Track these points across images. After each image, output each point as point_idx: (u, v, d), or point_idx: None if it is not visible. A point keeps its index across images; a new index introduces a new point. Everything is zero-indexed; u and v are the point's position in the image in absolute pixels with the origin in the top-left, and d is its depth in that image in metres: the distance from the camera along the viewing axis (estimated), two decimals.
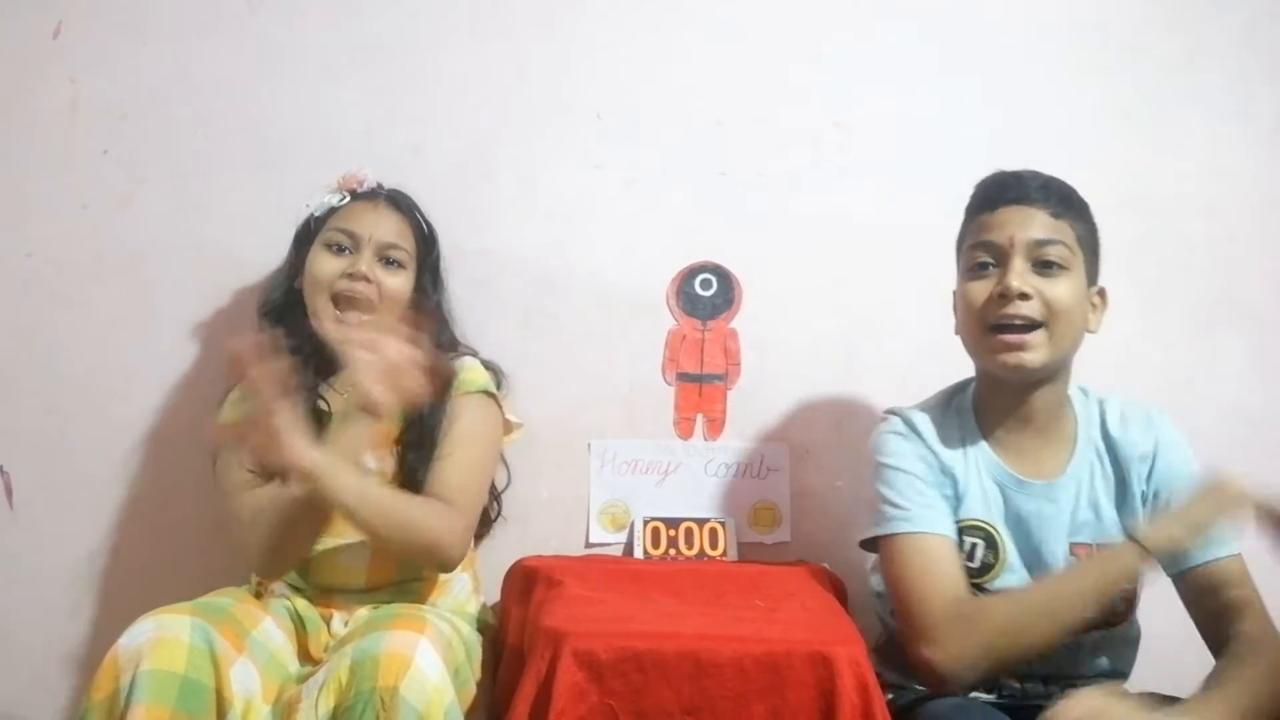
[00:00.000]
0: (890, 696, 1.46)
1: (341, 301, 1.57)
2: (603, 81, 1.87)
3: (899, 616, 1.42)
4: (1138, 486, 1.47)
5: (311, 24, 1.84)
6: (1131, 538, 1.34)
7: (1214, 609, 1.40)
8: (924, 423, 1.50)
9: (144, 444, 1.80)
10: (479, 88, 1.85)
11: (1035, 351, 1.40)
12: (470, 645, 1.47)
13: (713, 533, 1.81)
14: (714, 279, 1.87)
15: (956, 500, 1.47)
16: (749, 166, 1.87)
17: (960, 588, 1.39)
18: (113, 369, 1.80)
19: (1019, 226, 1.42)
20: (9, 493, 1.80)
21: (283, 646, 1.41)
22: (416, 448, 1.54)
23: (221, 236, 1.81)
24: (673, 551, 1.79)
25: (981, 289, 1.43)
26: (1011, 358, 1.40)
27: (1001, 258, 1.42)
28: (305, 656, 1.45)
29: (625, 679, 1.29)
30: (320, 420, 1.55)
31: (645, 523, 1.80)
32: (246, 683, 1.30)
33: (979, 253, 1.45)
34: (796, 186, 1.87)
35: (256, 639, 1.36)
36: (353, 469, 1.37)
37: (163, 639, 1.25)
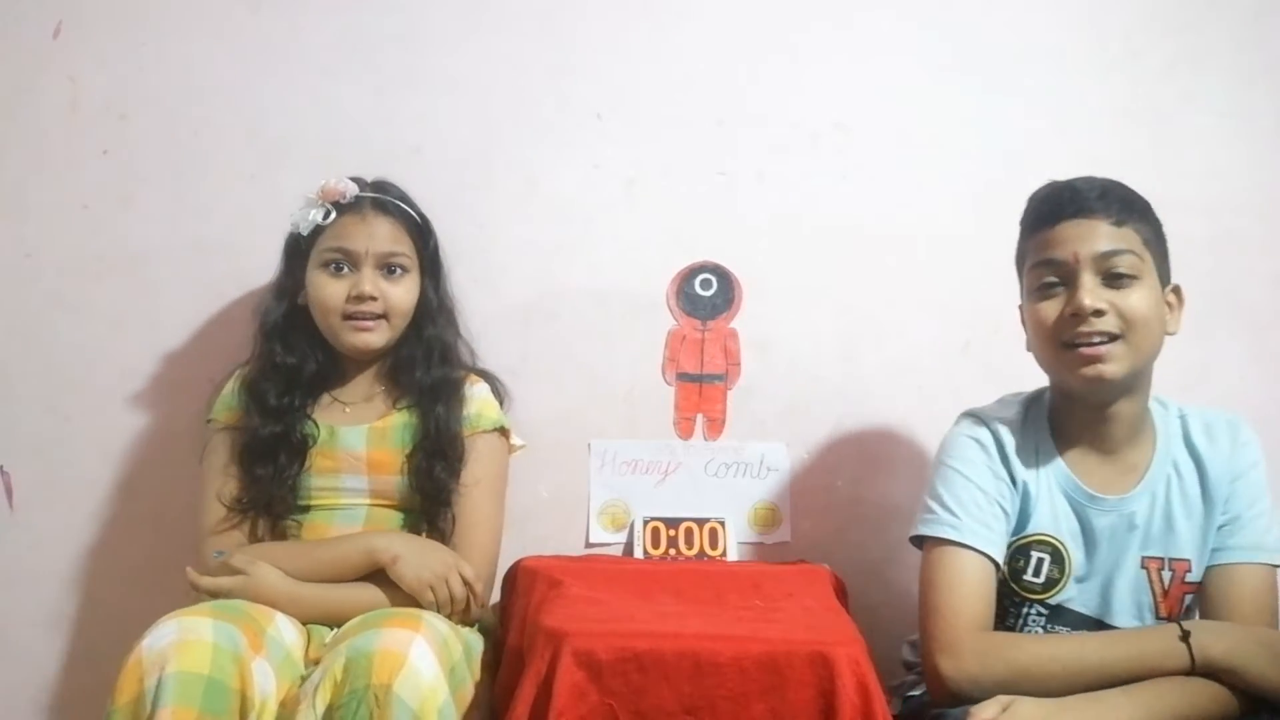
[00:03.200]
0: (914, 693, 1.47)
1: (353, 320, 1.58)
2: (603, 81, 1.86)
3: (921, 621, 1.40)
4: (1220, 503, 1.43)
5: (311, 24, 1.84)
6: (1185, 638, 1.27)
7: (1220, 612, 1.38)
8: (1006, 435, 1.46)
9: (144, 444, 1.80)
10: (479, 88, 1.85)
11: (1115, 363, 1.35)
12: (469, 645, 1.47)
13: (712, 532, 1.81)
14: (714, 279, 1.87)
15: (1024, 515, 1.44)
16: (749, 166, 1.87)
17: (987, 614, 1.38)
18: (113, 369, 1.80)
19: (1082, 241, 1.37)
20: (9, 493, 1.80)
21: (295, 644, 1.41)
22: (431, 497, 1.57)
23: (221, 236, 1.81)
24: (672, 552, 1.79)
25: (1052, 309, 1.39)
26: (1091, 370, 1.35)
27: (1068, 275, 1.37)
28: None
29: (625, 679, 1.29)
30: (304, 445, 1.57)
31: (645, 523, 1.81)
32: (264, 683, 1.29)
33: (1044, 272, 1.40)
34: (796, 186, 1.87)
35: (272, 636, 1.36)
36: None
37: (187, 640, 1.25)
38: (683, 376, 1.86)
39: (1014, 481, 1.44)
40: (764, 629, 1.38)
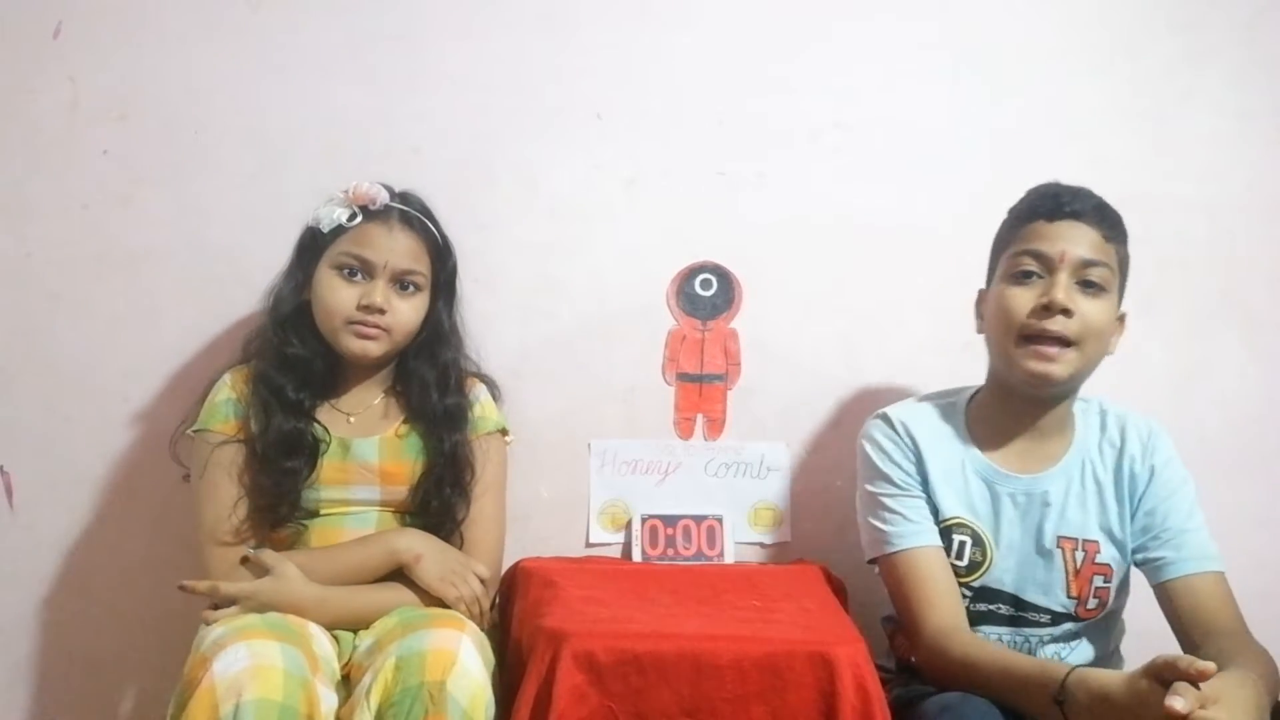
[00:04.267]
0: (900, 691, 1.50)
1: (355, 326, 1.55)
2: (603, 81, 1.86)
3: (902, 625, 1.52)
4: (1130, 495, 1.51)
5: (311, 24, 1.83)
6: (1066, 680, 1.24)
7: (1192, 621, 1.43)
8: (911, 420, 1.56)
9: (144, 444, 1.80)
10: (479, 88, 1.85)
11: (1064, 367, 1.43)
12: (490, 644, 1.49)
13: (710, 530, 1.81)
14: (714, 279, 1.87)
15: (939, 496, 1.51)
16: (749, 166, 1.87)
17: (950, 595, 1.48)
18: (113, 369, 1.80)
19: (1072, 242, 1.43)
20: (9, 493, 1.80)
21: (332, 655, 1.42)
22: (441, 517, 1.57)
23: (221, 236, 1.81)
24: (670, 551, 1.79)
25: (1024, 296, 1.44)
26: (1040, 367, 1.43)
27: (1050, 269, 1.44)
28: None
29: (625, 681, 1.29)
30: (316, 449, 1.55)
31: (644, 520, 1.81)
32: (327, 705, 1.30)
33: (1026, 260, 1.45)
34: (796, 186, 1.87)
35: (319, 654, 1.36)
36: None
37: (260, 666, 1.25)
38: (683, 376, 1.86)
39: (920, 461, 1.52)
40: (763, 630, 1.38)
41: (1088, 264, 1.43)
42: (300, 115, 1.82)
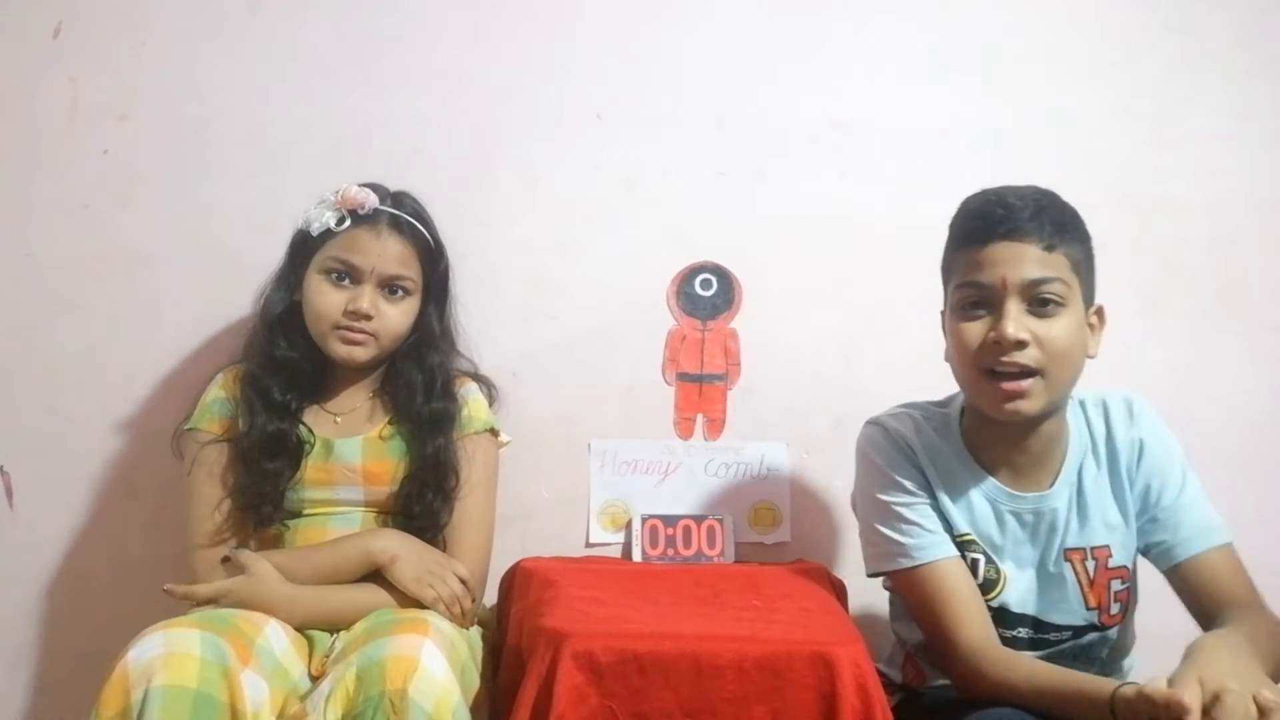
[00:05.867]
0: (900, 698, 1.49)
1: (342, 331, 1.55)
2: (603, 81, 1.87)
3: (930, 642, 1.45)
4: (1127, 478, 1.44)
5: (311, 24, 1.84)
6: (1114, 695, 1.18)
7: (1205, 600, 1.39)
8: (911, 436, 1.48)
9: (144, 444, 1.80)
10: (479, 88, 1.85)
11: (1033, 399, 1.34)
12: (473, 645, 1.48)
13: (710, 531, 1.81)
14: (714, 279, 1.87)
15: (948, 513, 1.46)
16: (749, 166, 1.87)
17: (979, 609, 1.40)
18: (113, 369, 1.80)
19: (1011, 265, 1.33)
20: (9, 493, 1.80)
21: (287, 651, 1.39)
22: (423, 521, 1.56)
23: (221, 236, 1.81)
24: (670, 551, 1.79)
25: (975, 331, 1.36)
26: (1010, 406, 1.35)
27: (994, 299, 1.34)
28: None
29: (625, 681, 1.29)
30: (300, 450, 1.55)
31: (644, 520, 1.81)
32: (255, 695, 1.28)
33: (970, 292, 1.37)
34: (796, 186, 1.87)
35: (262, 647, 1.34)
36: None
37: (174, 653, 1.24)
38: (683, 376, 1.87)
39: (924, 472, 1.46)
40: (763, 630, 1.38)
41: (1035, 284, 1.33)
42: (300, 115, 1.83)
